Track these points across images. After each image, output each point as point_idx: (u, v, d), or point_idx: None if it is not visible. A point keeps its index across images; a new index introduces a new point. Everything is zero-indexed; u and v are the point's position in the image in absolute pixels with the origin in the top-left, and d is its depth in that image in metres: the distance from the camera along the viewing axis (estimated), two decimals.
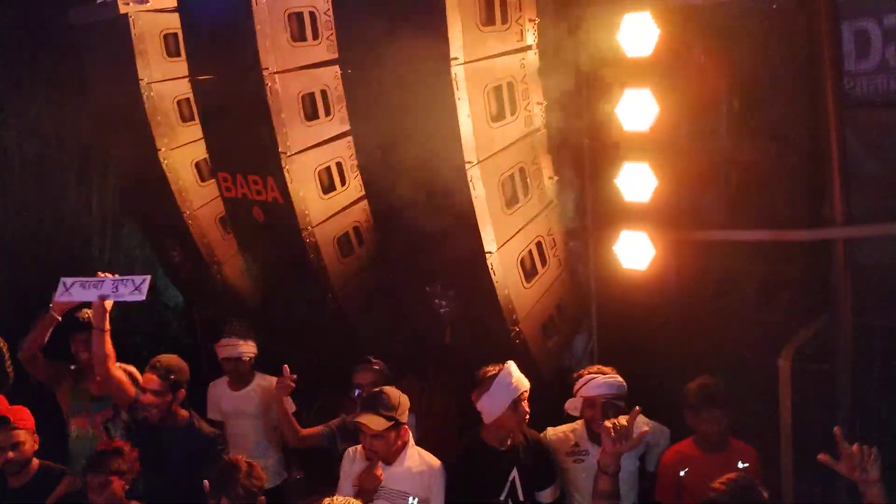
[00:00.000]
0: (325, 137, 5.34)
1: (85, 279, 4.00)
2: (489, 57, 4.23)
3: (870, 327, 4.62)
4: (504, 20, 4.30)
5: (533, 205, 4.71)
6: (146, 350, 5.25)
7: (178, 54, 5.81)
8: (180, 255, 6.68)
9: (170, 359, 4.06)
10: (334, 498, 3.08)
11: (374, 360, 4.30)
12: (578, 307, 5.19)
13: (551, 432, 3.95)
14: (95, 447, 4.13)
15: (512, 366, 3.72)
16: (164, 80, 5.97)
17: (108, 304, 4.03)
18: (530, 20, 4.47)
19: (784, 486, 4.39)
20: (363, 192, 5.30)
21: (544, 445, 3.87)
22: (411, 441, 3.76)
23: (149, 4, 5.76)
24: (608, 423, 3.18)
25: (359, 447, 3.75)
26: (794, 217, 4.73)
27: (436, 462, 3.72)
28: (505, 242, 4.49)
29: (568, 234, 5.04)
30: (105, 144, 6.65)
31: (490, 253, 4.41)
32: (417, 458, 3.72)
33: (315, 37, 5.14)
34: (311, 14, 5.08)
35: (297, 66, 5.05)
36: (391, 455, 3.66)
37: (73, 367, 4.55)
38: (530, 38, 4.51)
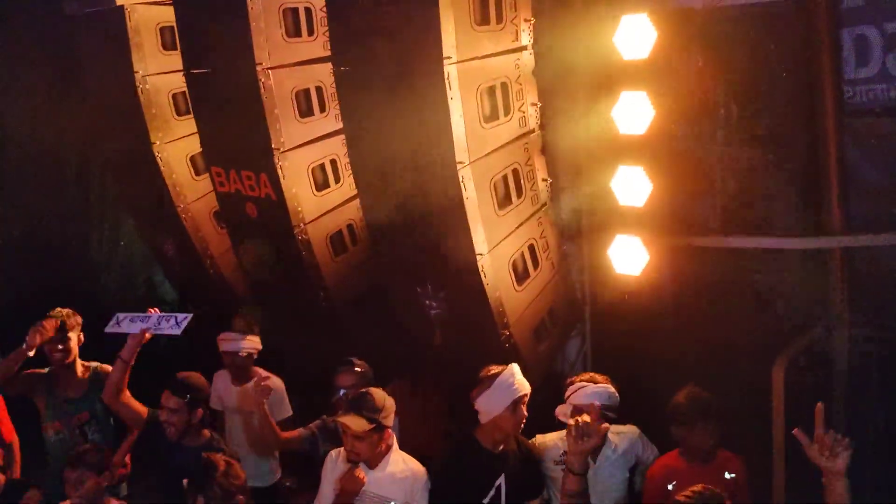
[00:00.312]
0: (320, 134, 5.31)
1: (135, 314, 4.06)
2: (483, 57, 4.19)
3: (866, 338, 4.57)
4: (499, 20, 4.25)
5: (526, 206, 4.67)
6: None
7: (174, 47, 5.78)
8: (173, 249, 6.65)
9: (189, 377, 3.98)
10: None
11: (356, 362, 4.22)
12: (571, 312, 5.15)
13: (540, 439, 3.90)
14: (72, 450, 4.08)
15: (515, 367, 3.67)
16: (160, 74, 5.94)
17: (148, 336, 4.03)
18: (526, 20, 4.42)
19: (775, 497, 4.34)
20: None
21: (535, 455, 3.81)
22: (395, 445, 3.69)
23: None
24: (571, 421, 3.15)
25: (341, 449, 3.68)
26: (791, 225, 4.68)
27: (420, 468, 3.65)
28: (496, 244, 4.45)
29: (562, 237, 4.98)
30: (100, 137, 6.61)
31: (481, 255, 4.37)
32: (401, 464, 3.65)
33: (311, 33, 5.11)
34: (307, 10, 5.05)
35: (291, 62, 5.01)
36: (374, 459, 3.59)
37: (46, 372, 4.48)
38: (525, 38, 4.46)
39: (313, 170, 5.33)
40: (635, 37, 4.32)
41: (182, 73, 5.56)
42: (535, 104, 4.62)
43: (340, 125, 5.16)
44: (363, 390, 3.69)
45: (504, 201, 4.50)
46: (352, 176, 5.26)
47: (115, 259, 7.66)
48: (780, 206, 4.74)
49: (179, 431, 3.87)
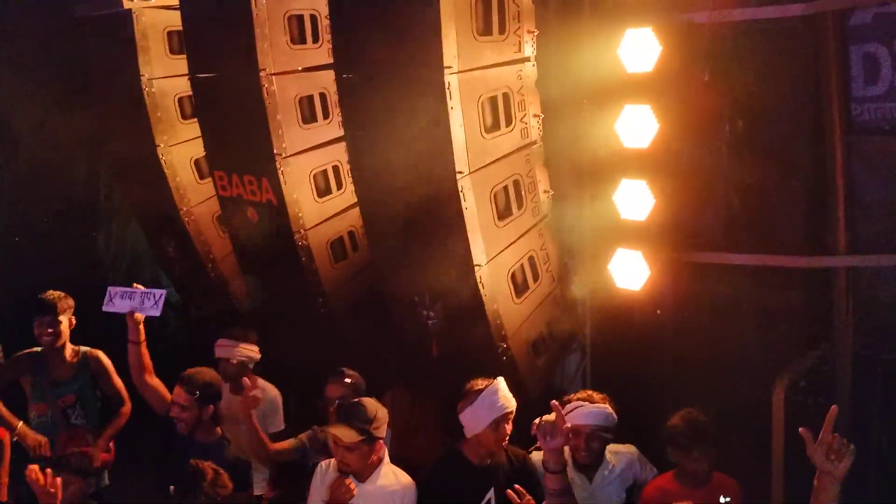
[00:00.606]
0: (322, 141, 5.30)
1: (124, 289, 4.08)
2: (484, 67, 4.16)
3: (870, 361, 4.48)
4: (501, 30, 4.22)
5: (526, 218, 4.62)
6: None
7: (181, 52, 5.78)
8: (175, 251, 6.65)
9: (199, 374, 3.98)
10: None
11: (347, 373, 4.17)
12: (571, 326, 5.09)
13: (535, 457, 3.84)
14: (56, 433, 4.09)
15: (500, 383, 3.61)
16: (166, 77, 5.96)
17: (139, 316, 4.02)
18: (529, 32, 4.40)
19: None
20: None
21: (530, 466, 3.72)
22: (386, 458, 3.65)
23: (152, 1, 5.74)
24: (535, 421, 3.13)
25: (332, 461, 3.64)
26: (795, 243, 4.61)
27: (410, 483, 3.60)
28: (495, 256, 4.41)
29: (563, 249, 4.94)
30: (107, 139, 6.64)
31: (479, 266, 4.32)
32: (392, 477, 3.61)
33: (315, 40, 5.11)
34: (312, 17, 5.05)
35: (295, 68, 5.00)
36: (365, 471, 3.55)
37: (35, 352, 4.48)
38: (529, 49, 4.44)
39: (315, 176, 5.31)
40: (640, 50, 4.30)
41: (188, 76, 5.57)
42: (538, 115, 4.58)
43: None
44: (355, 400, 3.65)
45: (504, 212, 4.45)
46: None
47: (122, 259, 7.70)
48: (784, 224, 4.67)
49: (189, 427, 3.88)
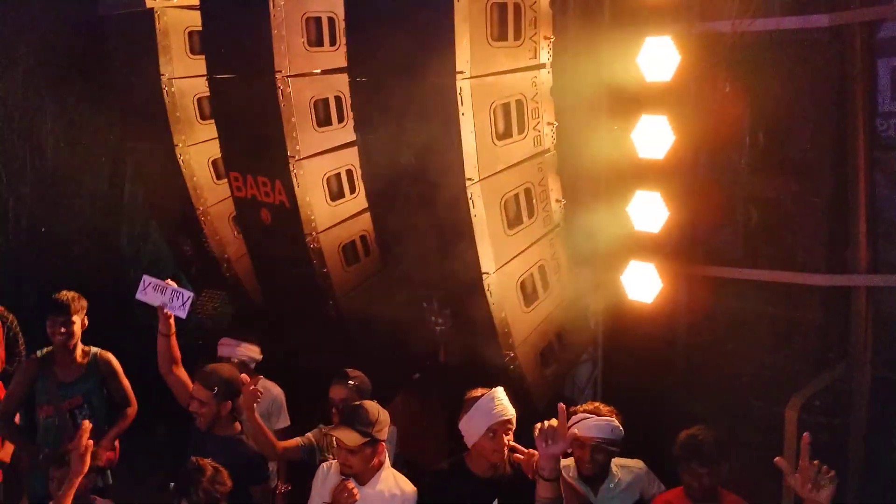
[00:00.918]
0: (337, 144, 5.28)
1: (158, 282, 4.11)
2: (498, 73, 4.11)
3: (889, 381, 4.36)
4: (517, 36, 4.17)
5: (538, 227, 4.57)
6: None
7: (202, 52, 5.81)
8: (192, 251, 6.69)
9: (218, 370, 3.99)
10: None
11: (350, 375, 4.14)
12: (581, 336, 5.02)
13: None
14: (62, 434, 4.10)
15: (497, 392, 3.53)
16: (186, 77, 5.99)
17: (169, 312, 4.06)
18: (545, 38, 4.34)
19: None
20: None
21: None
22: (387, 462, 3.62)
23: (174, 0, 5.78)
24: (538, 425, 3.03)
25: (333, 462, 3.63)
26: (814, 260, 4.52)
27: (411, 489, 3.56)
28: (504, 264, 4.35)
29: (574, 260, 4.87)
30: (127, 137, 6.71)
31: (487, 273, 4.28)
32: (392, 481, 3.57)
33: (333, 43, 5.08)
34: (330, 20, 5.03)
35: (311, 70, 5.00)
36: (366, 474, 3.52)
37: (44, 354, 4.52)
38: (545, 56, 4.38)
39: (328, 179, 5.30)
40: (659, 59, 4.23)
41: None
42: (552, 123, 4.52)
43: None
44: (356, 403, 3.62)
45: (515, 221, 4.40)
46: None
47: (143, 255, 7.76)
48: (804, 240, 4.57)
49: (208, 422, 3.88)
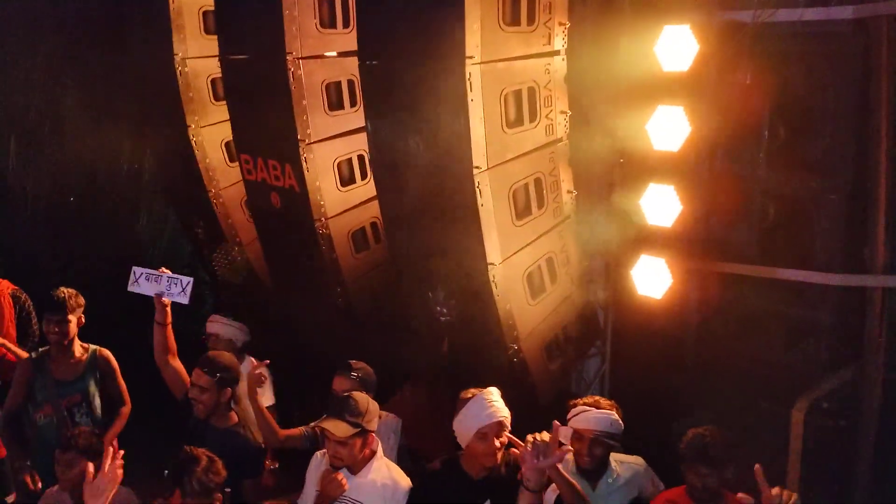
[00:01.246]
0: (349, 129, 5.22)
1: (150, 271, 4.04)
2: (510, 59, 4.02)
3: None
4: (530, 21, 4.07)
5: (547, 218, 4.48)
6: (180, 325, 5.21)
7: (216, 32, 5.77)
8: (204, 233, 6.68)
9: (219, 356, 3.96)
10: None
11: (354, 366, 4.11)
12: (588, 330, 4.95)
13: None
14: (61, 433, 4.06)
15: (487, 394, 3.40)
16: (200, 57, 5.95)
17: (167, 300, 4.01)
18: (560, 24, 4.23)
19: None
20: None
21: None
22: (380, 452, 3.59)
23: None
24: (529, 437, 2.99)
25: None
26: (831, 259, 4.40)
27: (403, 479, 3.53)
28: (511, 255, 4.28)
29: (584, 252, 4.78)
30: (141, 118, 6.69)
31: (493, 264, 4.21)
32: (384, 472, 3.54)
33: (346, 24, 5.01)
34: (344, 0, 4.95)
35: (323, 53, 4.94)
36: (357, 464, 3.50)
37: (41, 353, 4.50)
38: (559, 42, 4.27)
39: (339, 164, 5.24)
40: (677, 48, 4.12)
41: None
42: (565, 112, 4.42)
43: None
44: (346, 394, 3.59)
45: (523, 211, 4.32)
46: None
47: (162, 238, 7.78)
48: (820, 239, 4.46)
49: (208, 409, 3.86)
